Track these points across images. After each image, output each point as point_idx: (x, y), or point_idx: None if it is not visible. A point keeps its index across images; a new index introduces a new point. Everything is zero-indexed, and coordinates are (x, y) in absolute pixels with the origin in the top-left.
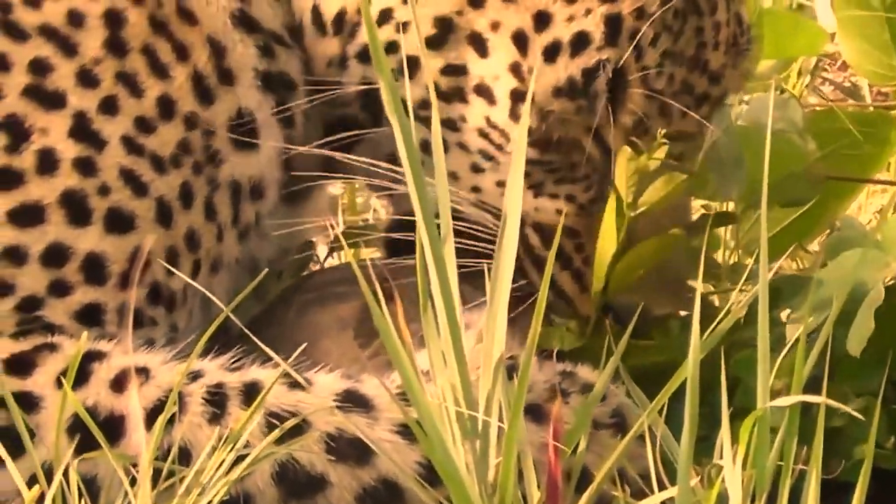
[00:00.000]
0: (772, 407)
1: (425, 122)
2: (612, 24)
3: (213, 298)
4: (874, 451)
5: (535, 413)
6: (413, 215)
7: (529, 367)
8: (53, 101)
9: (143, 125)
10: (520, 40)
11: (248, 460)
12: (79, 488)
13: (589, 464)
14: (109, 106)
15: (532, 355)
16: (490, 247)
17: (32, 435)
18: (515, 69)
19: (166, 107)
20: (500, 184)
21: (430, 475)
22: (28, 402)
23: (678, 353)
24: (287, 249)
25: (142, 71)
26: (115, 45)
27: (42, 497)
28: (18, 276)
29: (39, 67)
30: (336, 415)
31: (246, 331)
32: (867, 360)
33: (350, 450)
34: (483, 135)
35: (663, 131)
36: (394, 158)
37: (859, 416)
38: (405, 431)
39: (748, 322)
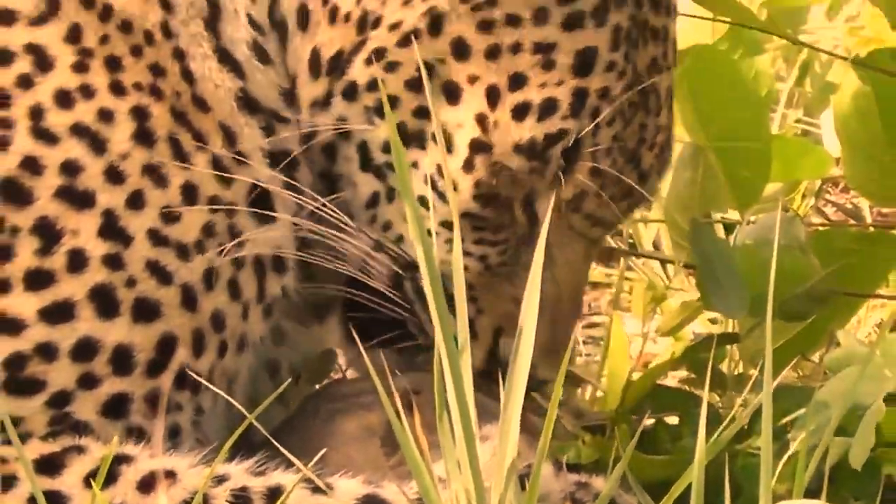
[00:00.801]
0: None
1: (384, 168)
2: (580, 98)
3: (236, 404)
4: None
5: None
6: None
7: (539, 474)
8: (83, 200)
9: (167, 217)
10: (492, 95)
11: None
12: None
13: None
14: (135, 200)
15: (541, 462)
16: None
17: None
18: (481, 120)
19: (189, 192)
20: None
21: None
22: (56, 502)
23: (686, 465)
24: (307, 354)
25: (168, 158)
26: (144, 136)
27: None
28: (49, 373)
29: (71, 168)
30: None
31: (269, 437)
32: (865, 468)
33: None
34: (430, 181)
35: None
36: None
37: None
38: None
39: (752, 431)
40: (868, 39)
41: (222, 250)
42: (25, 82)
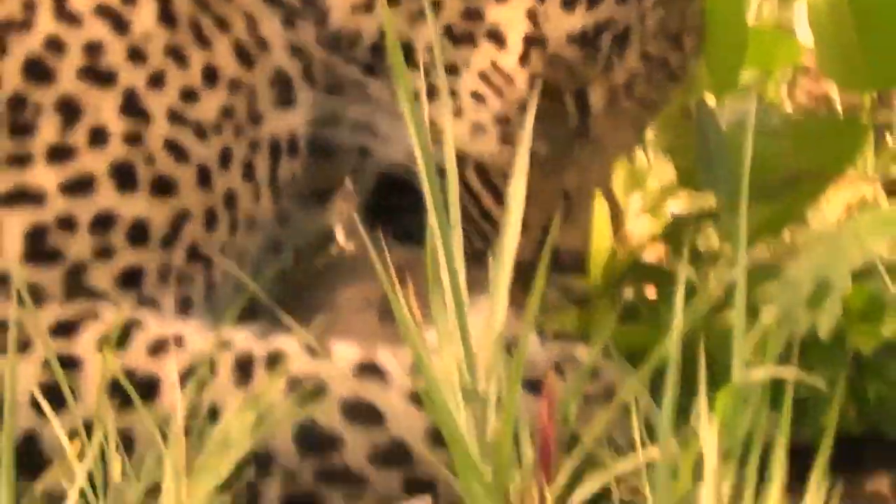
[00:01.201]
0: (745, 381)
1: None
2: (589, 40)
3: (243, 276)
4: (839, 419)
5: (537, 388)
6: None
7: (527, 343)
8: (105, 78)
9: (188, 95)
10: None
11: (271, 422)
12: (116, 443)
13: (581, 433)
14: (157, 79)
15: (529, 333)
16: None
17: (74, 393)
18: (532, 15)
19: (211, 74)
20: (477, 127)
21: (436, 439)
22: (71, 363)
23: (664, 336)
24: (309, 236)
25: (188, 43)
26: (167, 16)
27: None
28: (69, 244)
29: (93, 47)
30: (353, 382)
31: (270, 305)
32: (833, 340)
33: (364, 414)
34: (483, 77)
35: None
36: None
37: (823, 388)
38: (415, 399)
39: (727, 306)
40: None
41: (238, 131)
42: None
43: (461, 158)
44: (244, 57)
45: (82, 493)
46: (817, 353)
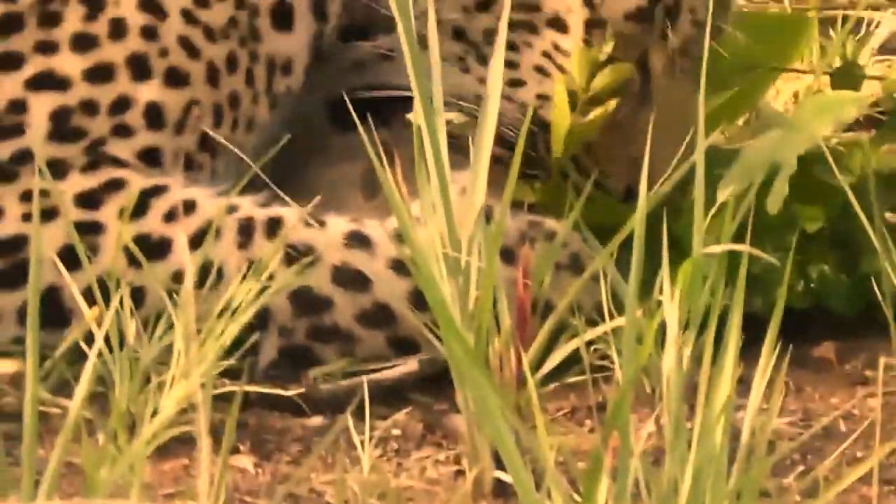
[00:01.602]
0: (704, 254)
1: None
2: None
3: (246, 158)
4: (787, 293)
5: (508, 255)
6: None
7: (505, 216)
8: None
9: (200, 1)
10: None
11: (272, 289)
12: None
13: (552, 298)
14: None
15: (507, 206)
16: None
17: (96, 252)
18: (588, 2)
19: None
20: (541, 96)
21: (417, 302)
22: (93, 228)
23: (629, 213)
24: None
25: None
26: None
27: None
28: (90, 124)
29: None
30: (342, 250)
31: (268, 181)
32: (783, 222)
33: (352, 278)
34: (546, 55)
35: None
36: None
37: (776, 262)
38: (398, 266)
39: (687, 189)
40: None
41: (242, 41)
42: None
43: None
44: None
45: (100, 354)
46: (769, 232)
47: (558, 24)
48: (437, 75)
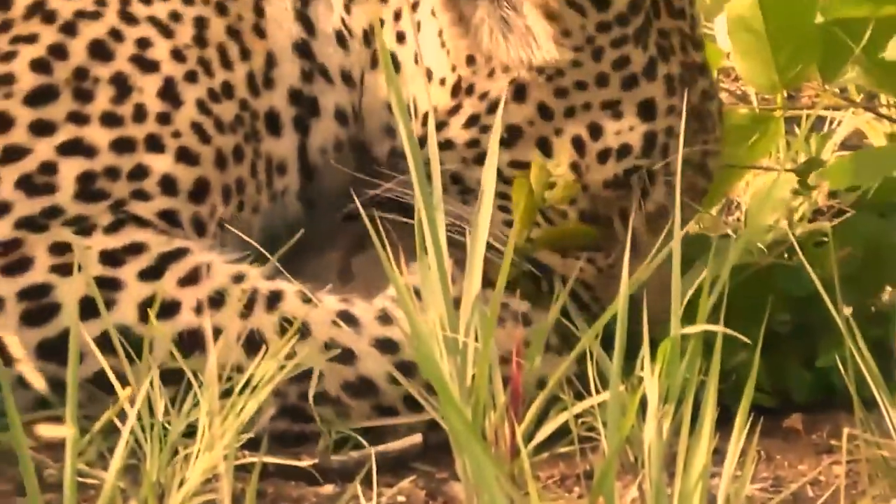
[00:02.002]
0: (682, 334)
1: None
2: (649, 140)
3: (252, 241)
4: (757, 393)
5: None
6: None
7: (499, 301)
8: (151, 67)
9: (213, 96)
10: (578, 144)
11: (285, 371)
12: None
13: (545, 377)
14: (191, 76)
15: (500, 292)
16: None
17: (112, 306)
18: (575, 167)
19: (228, 89)
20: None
21: (394, 379)
22: (113, 284)
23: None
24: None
25: (216, 60)
26: (200, 40)
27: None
28: (113, 187)
29: (144, 43)
30: (332, 328)
31: (273, 261)
32: (751, 311)
33: (340, 354)
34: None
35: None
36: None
37: (747, 340)
38: (381, 344)
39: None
40: None
41: (246, 138)
42: None
43: None
44: (253, 88)
45: (132, 431)
46: (739, 319)
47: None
48: (436, 175)
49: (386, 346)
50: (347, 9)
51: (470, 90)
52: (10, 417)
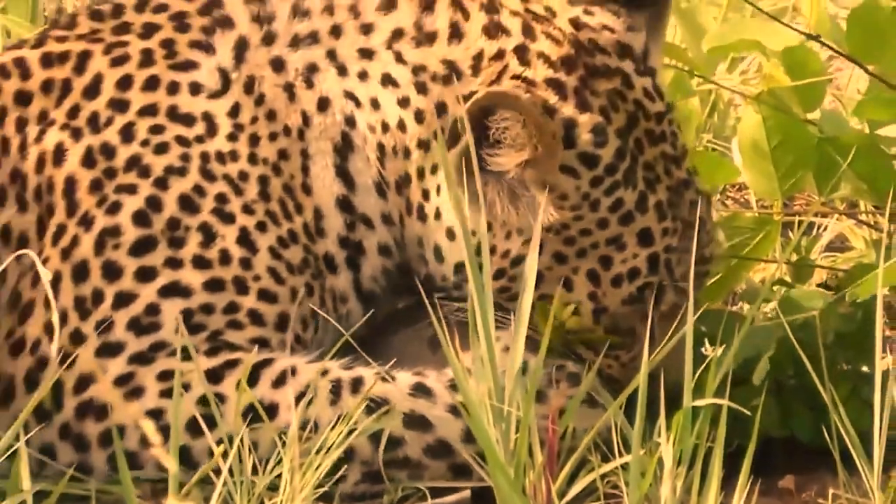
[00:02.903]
0: (694, 406)
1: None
2: (652, 261)
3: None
4: (767, 426)
5: (540, 396)
6: None
7: (539, 372)
8: (229, 218)
9: (282, 242)
10: (593, 277)
11: (355, 434)
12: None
13: (576, 443)
14: (262, 227)
15: (540, 363)
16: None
17: (220, 417)
18: (593, 296)
19: (293, 236)
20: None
21: (469, 438)
22: (219, 398)
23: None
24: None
25: (279, 213)
26: (264, 195)
27: (225, 456)
28: (209, 320)
29: (222, 198)
30: (410, 400)
31: (356, 346)
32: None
33: (418, 422)
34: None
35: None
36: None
37: (748, 414)
38: (454, 410)
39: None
40: (768, 78)
41: (312, 276)
42: (199, 139)
43: None
44: (309, 235)
45: (225, 482)
46: (745, 388)
47: (575, 310)
48: (488, 286)
49: (457, 411)
50: (381, 163)
51: (493, 251)
52: (122, 479)
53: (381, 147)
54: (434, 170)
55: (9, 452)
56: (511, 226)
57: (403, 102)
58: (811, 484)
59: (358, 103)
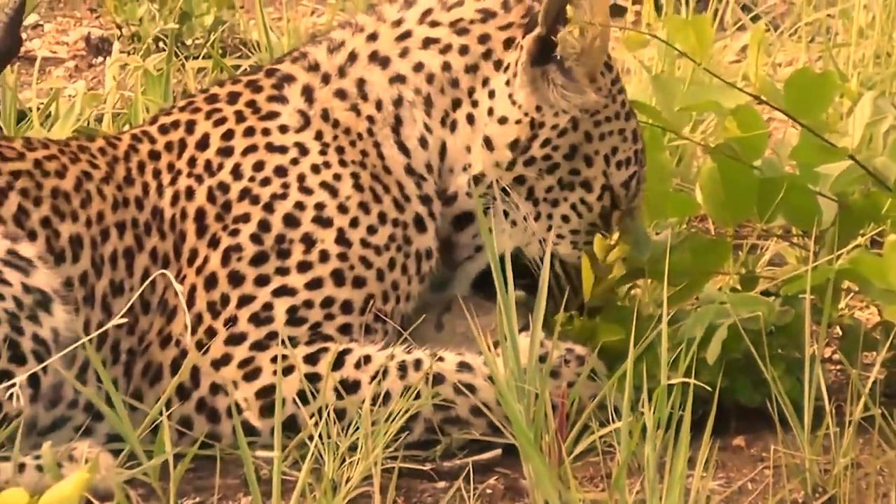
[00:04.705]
0: (669, 383)
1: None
2: (639, 155)
3: (399, 328)
4: (735, 390)
5: (554, 374)
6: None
7: (553, 357)
8: (327, 223)
9: (371, 231)
10: (606, 158)
11: (417, 405)
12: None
13: (581, 398)
14: (354, 223)
15: (555, 348)
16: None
17: (317, 392)
18: (605, 174)
19: (382, 217)
20: (574, 244)
21: (501, 402)
22: (315, 377)
23: (625, 335)
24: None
25: (370, 200)
26: (358, 187)
27: (316, 425)
28: (310, 315)
29: (320, 206)
30: (458, 373)
31: (406, 335)
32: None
33: (465, 389)
34: (577, 213)
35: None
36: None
37: (708, 390)
38: (490, 379)
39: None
40: (724, 130)
41: (399, 248)
42: (294, 161)
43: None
44: (399, 207)
45: (315, 446)
46: (707, 369)
47: (587, 186)
48: (510, 284)
49: (493, 380)
50: (427, 112)
51: (542, 125)
52: (239, 443)
53: (427, 100)
54: (485, 82)
55: (154, 424)
56: (558, 107)
57: (445, 49)
58: (757, 442)
59: (403, 80)
